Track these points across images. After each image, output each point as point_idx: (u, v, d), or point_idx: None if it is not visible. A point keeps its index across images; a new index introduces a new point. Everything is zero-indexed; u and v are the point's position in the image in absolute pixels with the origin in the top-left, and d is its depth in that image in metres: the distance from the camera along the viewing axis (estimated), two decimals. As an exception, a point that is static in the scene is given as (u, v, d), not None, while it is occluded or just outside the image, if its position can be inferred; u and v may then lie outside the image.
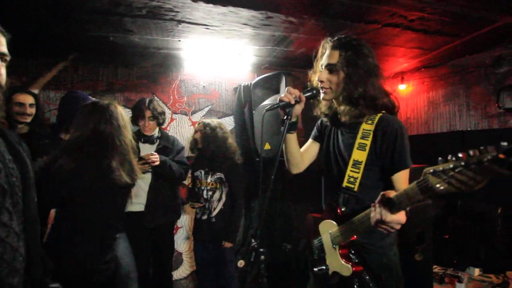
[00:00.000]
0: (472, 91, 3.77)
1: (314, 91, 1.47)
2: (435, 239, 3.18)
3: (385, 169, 1.35)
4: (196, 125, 3.15)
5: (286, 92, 1.41)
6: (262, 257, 1.26)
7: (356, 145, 1.38)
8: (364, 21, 2.58)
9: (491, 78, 3.59)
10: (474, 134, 3.52)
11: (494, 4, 2.40)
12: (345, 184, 1.38)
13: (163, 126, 3.06)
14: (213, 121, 3.04)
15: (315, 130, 1.73)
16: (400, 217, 1.08)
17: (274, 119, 2.92)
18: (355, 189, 1.36)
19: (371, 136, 1.37)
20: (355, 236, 1.35)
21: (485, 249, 3.09)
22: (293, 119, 1.45)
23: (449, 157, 0.75)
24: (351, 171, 1.37)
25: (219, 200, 2.94)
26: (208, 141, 2.91)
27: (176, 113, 3.68)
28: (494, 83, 3.58)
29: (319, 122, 1.71)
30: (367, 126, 1.40)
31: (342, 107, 1.44)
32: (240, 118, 3.66)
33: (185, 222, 3.64)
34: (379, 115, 1.40)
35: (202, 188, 2.96)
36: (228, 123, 3.81)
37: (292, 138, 1.58)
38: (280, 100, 1.41)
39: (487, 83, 3.64)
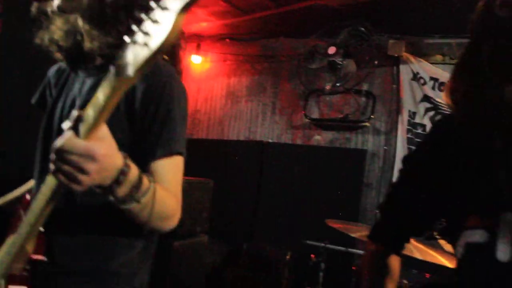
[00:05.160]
0: (282, 88, 3.36)
1: None
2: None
3: (142, 152, 0.86)
4: None
5: None
6: None
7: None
8: None
9: (303, 76, 3.16)
10: (276, 148, 3.24)
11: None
12: None
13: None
14: None
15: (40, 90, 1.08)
16: (96, 145, 0.59)
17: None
18: None
19: None
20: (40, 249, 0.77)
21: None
22: None
23: None
24: None
25: None
26: None
27: None
28: (305, 82, 3.17)
29: (51, 71, 1.05)
30: None
31: (86, 27, 0.86)
32: None
33: None
34: None
35: None
36: None
37: None
38: None
39: (298, 80, 3.21)
